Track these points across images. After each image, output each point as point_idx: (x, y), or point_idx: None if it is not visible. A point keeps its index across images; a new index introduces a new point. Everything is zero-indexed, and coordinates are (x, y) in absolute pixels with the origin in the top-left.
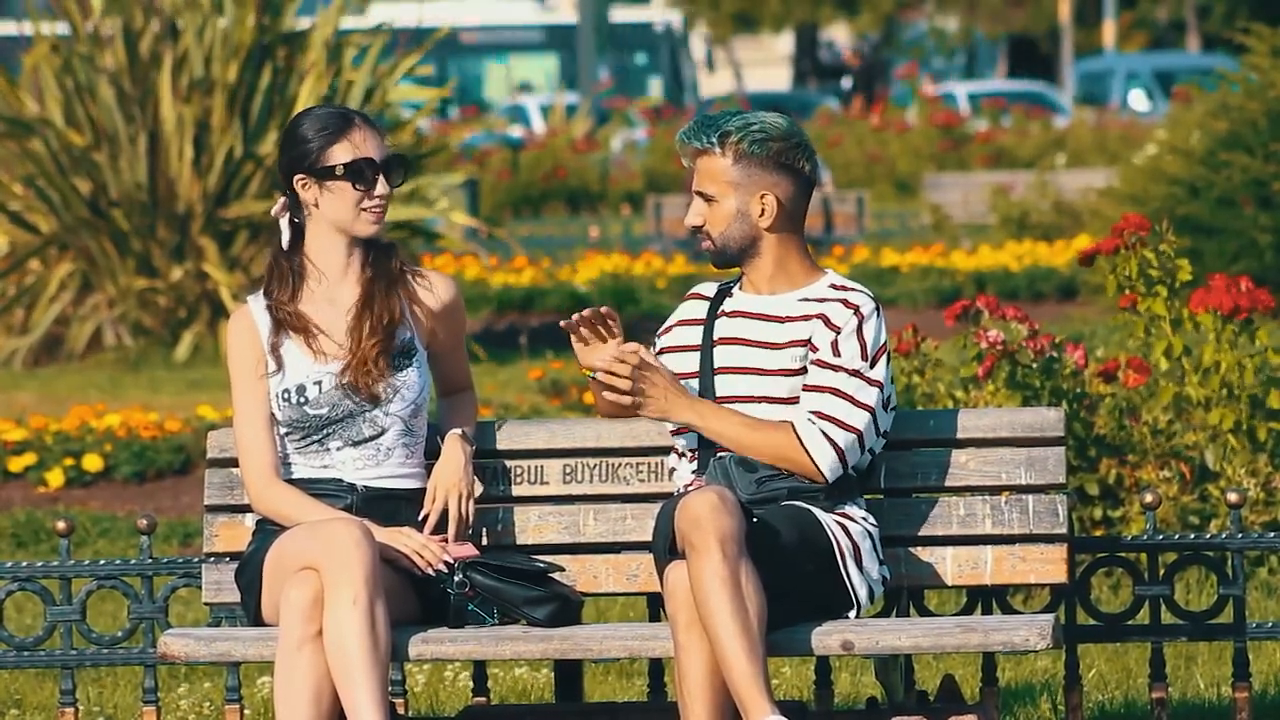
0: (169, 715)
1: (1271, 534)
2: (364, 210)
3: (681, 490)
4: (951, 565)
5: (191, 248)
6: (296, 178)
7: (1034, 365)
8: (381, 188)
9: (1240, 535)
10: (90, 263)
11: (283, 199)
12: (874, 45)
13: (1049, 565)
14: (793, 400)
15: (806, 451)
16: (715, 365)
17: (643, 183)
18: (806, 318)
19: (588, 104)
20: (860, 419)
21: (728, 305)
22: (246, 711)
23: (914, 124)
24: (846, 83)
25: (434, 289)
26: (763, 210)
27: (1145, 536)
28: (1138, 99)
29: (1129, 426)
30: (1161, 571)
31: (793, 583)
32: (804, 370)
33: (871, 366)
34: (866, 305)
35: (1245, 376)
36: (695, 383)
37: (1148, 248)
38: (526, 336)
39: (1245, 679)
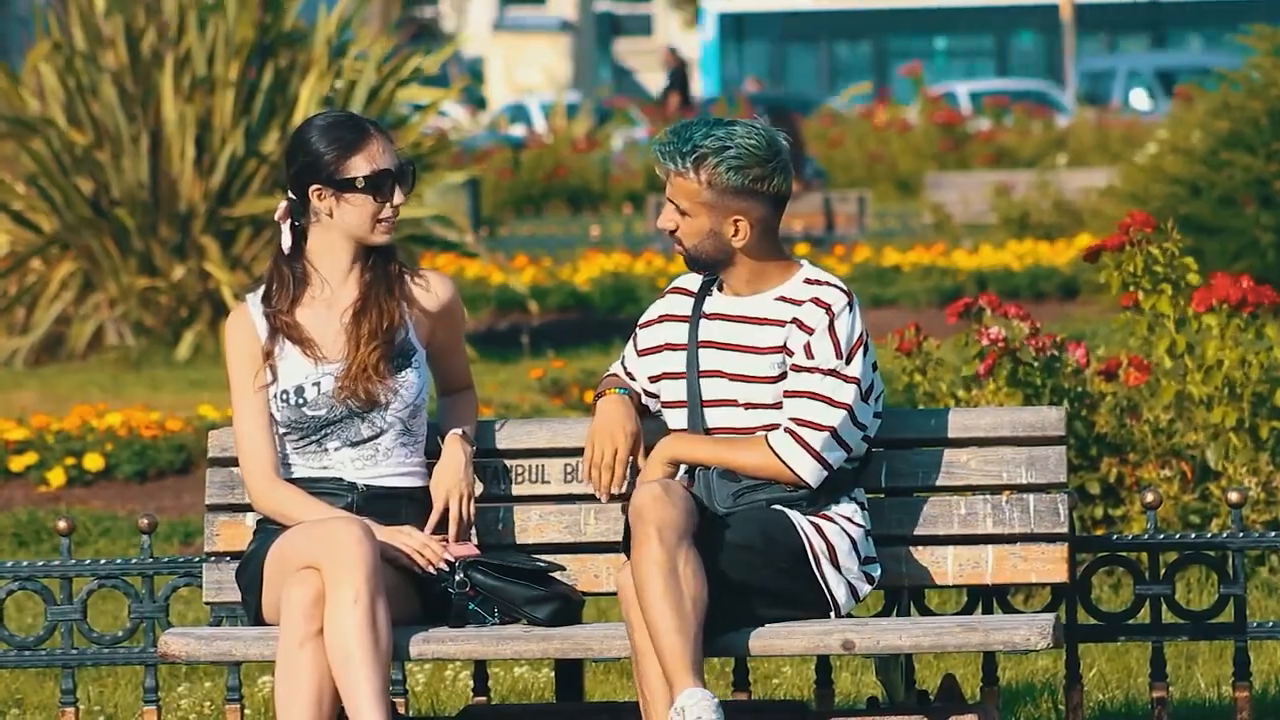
0: (169, 715)
1: (1272, 533)
2: (380, 220)
3: None
4: (952, 564)
5: (193, 247)
6: (313, 188)
7: (1035, 364)
8: (398, 197)
9: (1241, 534)
10: (92, 262)
11: (284, 204)
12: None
13: (1050, 564)
14: (778, 405)
15: (784, 463)
16: (700, 368)
17: (644, 182)
18: (782, 322)
19: (590, 105)
20: (835, 417)
21: (709, 306)
22: (247, 711)
23: (915, 123)
24: (663, 82)
25: (432, 289)
26: (736, 231)
27: (1146, 536)
28: (1139, 98)
29: (1130, 425)
30: (1162, 571)
31: (761, 581)
32: (784, 376)
33: (847, 362)
34: (838, 301)
35: (1250, 372)
36: (683, 383)
37: (1153, 244)
38: (528, 336)
39: (1246, 678)
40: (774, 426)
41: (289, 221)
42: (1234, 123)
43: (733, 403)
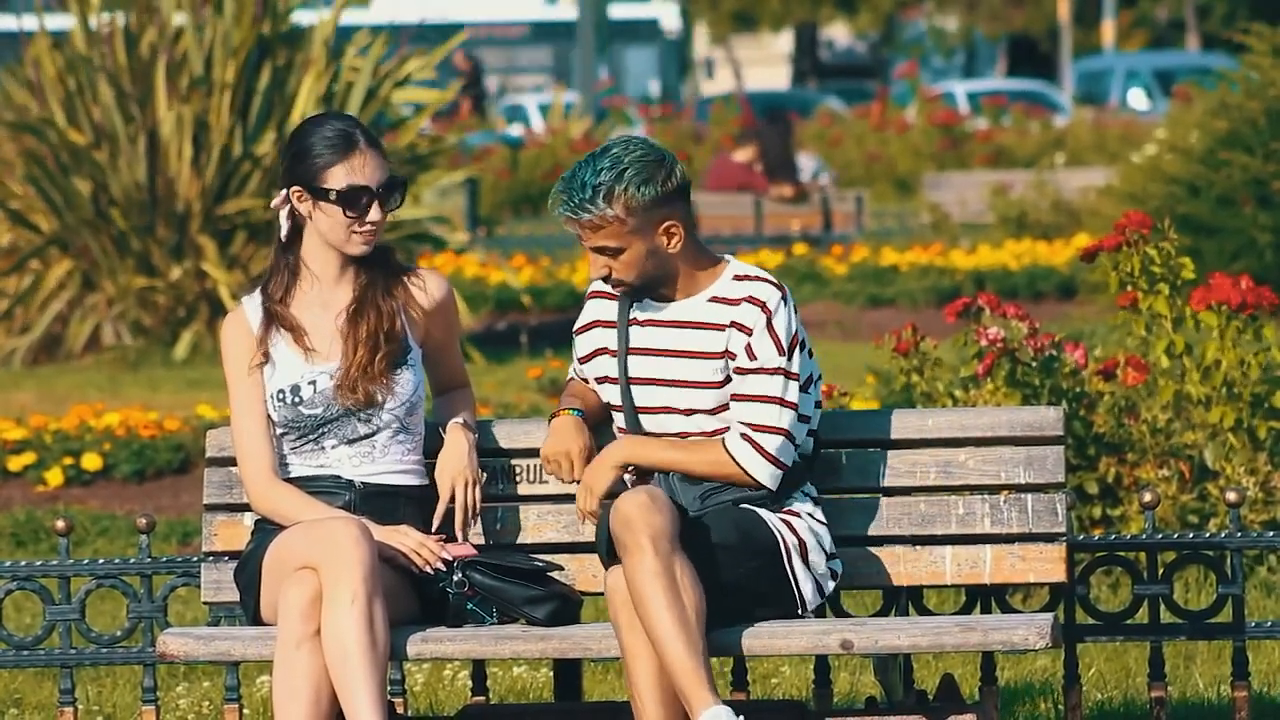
0: (168, 714)
1: (1270, 533)
2: (355, 233)
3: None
4: (950, 564)
5: (190, 246)
6: (293, 189)
7: (1034, 364)
8: (374, 214)
9: (1239, 534)
10: (90, 262)
11: (283, 193)
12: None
13: (1048, 564)
14: (721, 409)
15: (741, 468)
16: (631, 376)
17: None
18: (720, 327)
19: (584, 103)
20: (786, 418)
21: (638, 313)
22: (245, 711)
23: (914, 123)
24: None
25: (427, 287)
26: (670, 238)
27: (1144, 535)
28: (1137, 98)
29: (1128, 425)
30: (1160, 570)
31: (735, 580)
32: (728, 380)
33: (789, 359)
34: (772, 298)
35: (1249, 373)
36: (618, 389)
37: (1150, 245)
38: (526, 336)
39: (1244, 678)
40: (714, 432)
41: (287, 209)
42: (1232, 123)
43: (671, 409)
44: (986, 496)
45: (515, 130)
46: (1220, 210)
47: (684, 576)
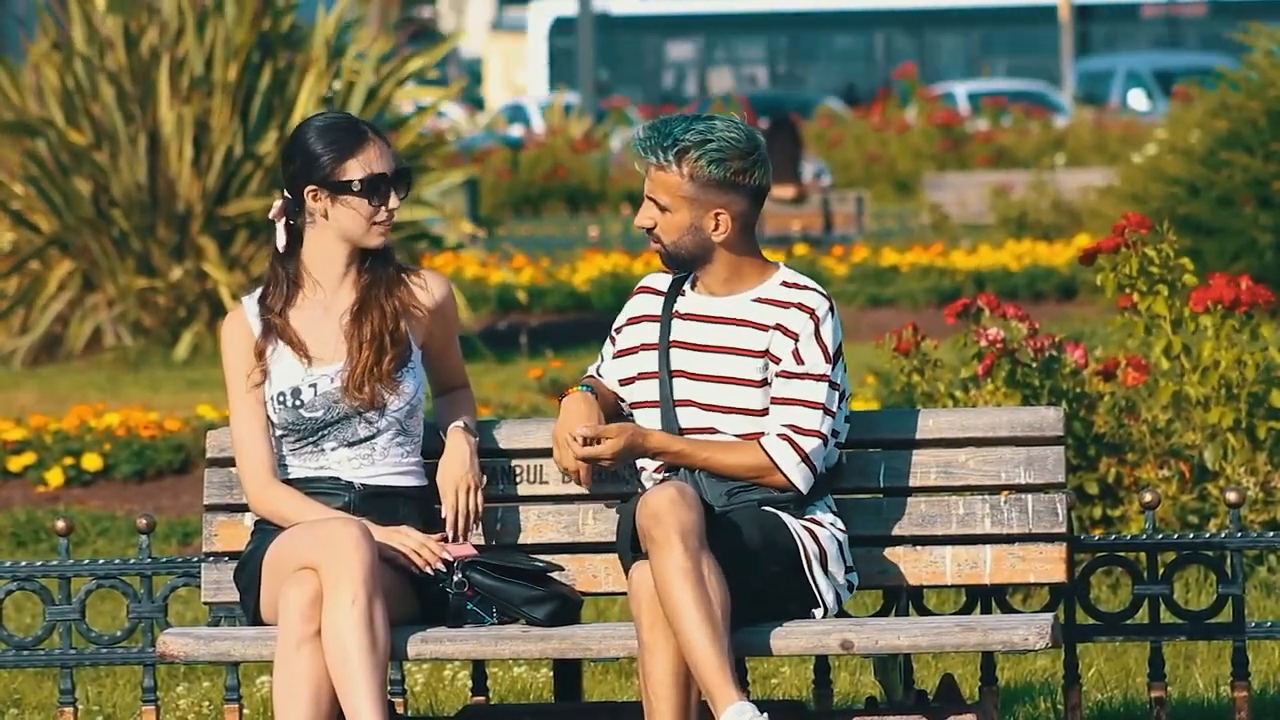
0: (168, 715)
1: (1271, 533)
2: (375, 224)
3: (645, 488)
4: (951, 564)
5: (191, 247)
6: (308, 189)
7: (1034, 364)
8: (393, 202)
9: (1239, 534)
10: (90, 262)
11: (279, 202)
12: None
13: (1048, 564)
14: (762, 412)
15: (779, 468)
16: (672, 368)
17: (642, 182)
18: (763, 327)
19: (584, 102)
20: (826, 424)
21: (681, 306)
22: (245, 711)
23: (914, 124)
24: None
25: (428, 288)
26: (716, 225)
27: (1144, 536)
28: (1137, 98)
29: (1128, 425)
30: (1161, 571)
31: (755, 583)
32: (767, 382)
33: (833, 369)
34: (821, 307)
35: (1246, 373)
36: (655, 383)
37: (1149, 246)
38: (526, 336)
39: (1244, 678)
40: (748, 430)
41: (284, 220)
42: (1232, 123)
43: (706, 405)
44: (987, 497)
45: (515, 130)
46: (1220, 211)
47: (711, 575)
